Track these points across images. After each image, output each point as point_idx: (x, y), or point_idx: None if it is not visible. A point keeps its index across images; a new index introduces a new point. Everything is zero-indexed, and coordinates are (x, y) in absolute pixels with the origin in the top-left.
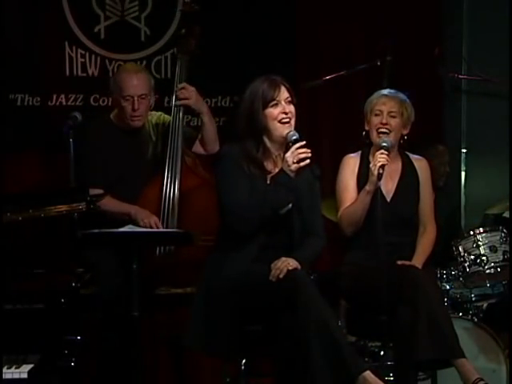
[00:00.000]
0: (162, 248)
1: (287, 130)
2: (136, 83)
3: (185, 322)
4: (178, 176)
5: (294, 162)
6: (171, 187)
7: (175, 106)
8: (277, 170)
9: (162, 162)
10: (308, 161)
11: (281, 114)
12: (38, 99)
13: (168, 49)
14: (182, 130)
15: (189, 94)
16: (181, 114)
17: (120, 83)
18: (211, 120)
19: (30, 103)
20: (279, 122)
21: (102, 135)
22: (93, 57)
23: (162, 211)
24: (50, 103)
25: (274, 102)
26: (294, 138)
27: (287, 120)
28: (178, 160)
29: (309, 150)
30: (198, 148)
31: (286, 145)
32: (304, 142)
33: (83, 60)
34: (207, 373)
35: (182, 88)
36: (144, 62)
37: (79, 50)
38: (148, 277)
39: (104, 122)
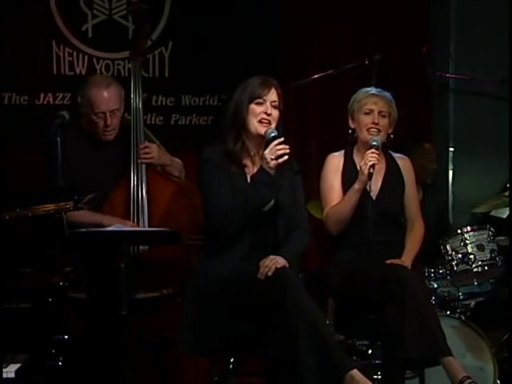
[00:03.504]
0: (135, 251)
1: (265, 129)
2: (107, 98)
3: (167, 323)
4: (144, 178)
5: (272, 159)
6: (138, 190)
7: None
8: (256, 169)
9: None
10: (286, 157)
11: (263, 113)
12: (26, 98)
13: (156, 47)
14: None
15: (152, 152)
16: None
17: (90, 99)
18: (174, 165)
19: (18, 102)
20: (259, 121)
21: (72, 145)
22: (80, 55)
23: (132, 214)
24: (37, 102)
25: (260, 100)
26: (273, 135)
27: (267, 122)
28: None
29: (287, 147)
30: None
31: (266, 143)
32: (282, 139)
33: (71, 59)
34: (191, 372)
35: (145, 147)
36: None
37: (67, 49)
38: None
39: (74, 130)
